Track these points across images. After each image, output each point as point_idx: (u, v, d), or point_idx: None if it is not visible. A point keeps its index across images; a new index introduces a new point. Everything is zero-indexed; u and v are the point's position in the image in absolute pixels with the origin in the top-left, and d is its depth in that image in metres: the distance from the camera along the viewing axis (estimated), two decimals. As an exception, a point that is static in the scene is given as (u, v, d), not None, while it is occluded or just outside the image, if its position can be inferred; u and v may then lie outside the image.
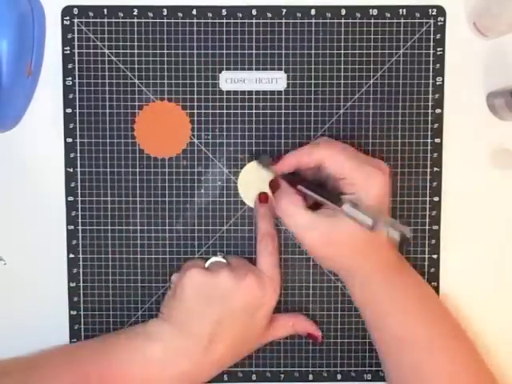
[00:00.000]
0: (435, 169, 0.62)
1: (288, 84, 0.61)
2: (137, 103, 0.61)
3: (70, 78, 0.61)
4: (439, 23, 0.61)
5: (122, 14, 0.61)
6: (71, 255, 0.62)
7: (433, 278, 0.62)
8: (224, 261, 0.59)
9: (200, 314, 0.55)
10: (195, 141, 0.62)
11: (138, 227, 0.62)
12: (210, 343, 0.55)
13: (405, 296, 0.56)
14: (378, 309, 0.56)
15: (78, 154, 0.61)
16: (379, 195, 0.53)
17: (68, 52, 0.61)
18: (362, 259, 0.55)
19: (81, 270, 0.62)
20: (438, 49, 0.61)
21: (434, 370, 0.54)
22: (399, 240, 0.47)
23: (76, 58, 0.61)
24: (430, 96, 0.61)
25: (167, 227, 0.62)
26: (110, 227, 0.62)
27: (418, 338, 0.55)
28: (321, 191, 0.55)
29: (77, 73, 0.61)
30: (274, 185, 0.58)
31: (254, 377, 0.63)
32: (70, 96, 0.61)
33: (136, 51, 0.61)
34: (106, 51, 0.61)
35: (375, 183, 0.53)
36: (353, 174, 0.53)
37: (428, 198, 0.62)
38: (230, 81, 0.61)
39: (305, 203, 0.55)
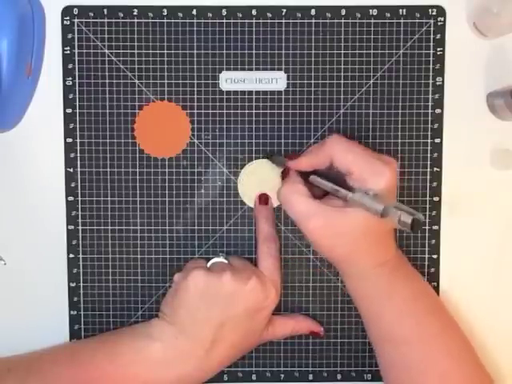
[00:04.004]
0: (435, 169, 0.62)
1: (288, 84, 0.61)
2: (137, 103, 0.61)
3: (70, 78, 0.61)
4: (439, 23, 0.61)
5: (122, 14, 0.61)
6: (71, 255, 0.62)
7: (433, 278, 0.62)
8: (226, 261, 0.59)
9: (203, 317, 0.55)
10: (195, 141, 0.62)
11: (138, 227, 0.62)
12: (211, 346, 0.55)
13: (398, 295, 0.56)
14: (371, 306, 0.57)
15: (78, 154, 0.61)
16: (387, 189, 0.53)
17: (68, 52, 0.61)
18: (361, 253, 0.55)
19: (81, 270, 0.62)
20: (438, 49, 0.61)
21: (424, 369, 0.54)
22: (411, 223, 0.47)
23: (76, 58, 0.61)
24: (430, 96, 0.61)
25: (167, 227, 0.62)
26: (110, 227, 0.62)
27: (408, 338, 0.55)
28: (333, 183, 0.55)
29: (77, 73, 0.61)
30: (284, 174, 0.58)
31: (254, 377, 0.63)
32: (70, 96, 0.61)
33: (136, 51, 0.61)
34: (106, 51, 0.61)
35: (382, 178, 0.53)
36: (360, 170, 0.53)
37: (428, 198, 0.62)
38: (230, 81, 0.61)
39: (309, 193, 0.55)
